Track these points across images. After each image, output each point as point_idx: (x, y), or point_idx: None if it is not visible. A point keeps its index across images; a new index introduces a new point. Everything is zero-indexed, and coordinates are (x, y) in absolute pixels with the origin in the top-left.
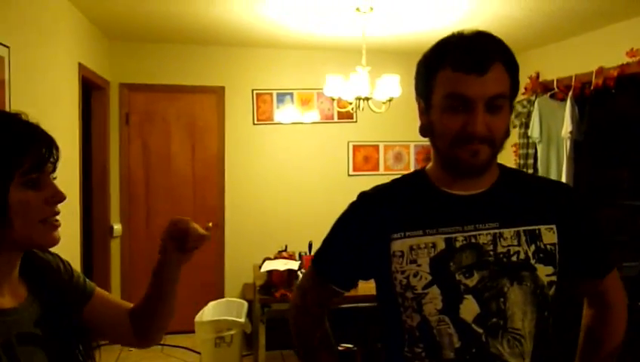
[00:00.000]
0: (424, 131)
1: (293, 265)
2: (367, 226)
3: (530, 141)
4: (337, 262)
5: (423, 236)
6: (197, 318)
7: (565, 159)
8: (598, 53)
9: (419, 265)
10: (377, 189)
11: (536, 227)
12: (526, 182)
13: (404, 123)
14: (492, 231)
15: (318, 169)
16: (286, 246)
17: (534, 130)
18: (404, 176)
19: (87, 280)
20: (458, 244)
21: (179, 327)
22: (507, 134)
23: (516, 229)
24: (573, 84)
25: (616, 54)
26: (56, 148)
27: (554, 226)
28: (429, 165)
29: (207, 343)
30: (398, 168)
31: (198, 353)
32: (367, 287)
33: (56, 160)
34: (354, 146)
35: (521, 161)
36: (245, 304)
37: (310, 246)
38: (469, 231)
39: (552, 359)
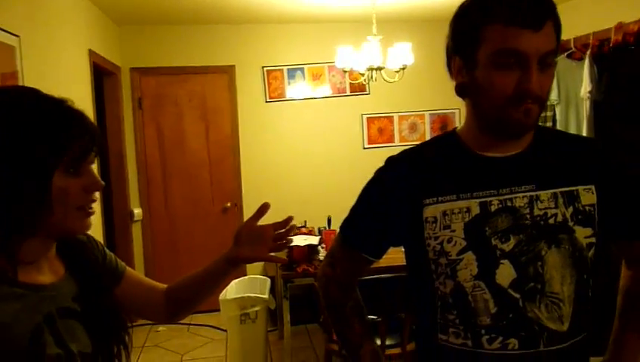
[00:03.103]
0: (462, 91)
1: (314, 240)
2: (396, 192)
3: (549, 103)
4: (366, 231)
5: (457, 201)
6: (221, 296)
7: (585, 120)
8: (616, 9)
9: (453, 231)
10: (406, 153)
11: (574, 188)
12: (563, 142)
13: (418, 92)
14: (528, 194)
15: (333, 143)
16: (305, 222)
17: (552, 92)
18: (434, 139)
19: (118, 261)
20: (493, 208)
21: (204, 306)
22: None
23: (553, 191)
24: (591, 42)
25: (635, 8)
26: (100, 138)
27: (592, 187)
28: (461, 127)
29: (233, 320)
30: (413, 139)
31: (224, 330)
32: (388, 258)
33: (99, 149)
34: (368, 119)
35: (540, 124)
36: (268, 280)
37: (329, 220)
38: (505, 194)
39: (591, 322)
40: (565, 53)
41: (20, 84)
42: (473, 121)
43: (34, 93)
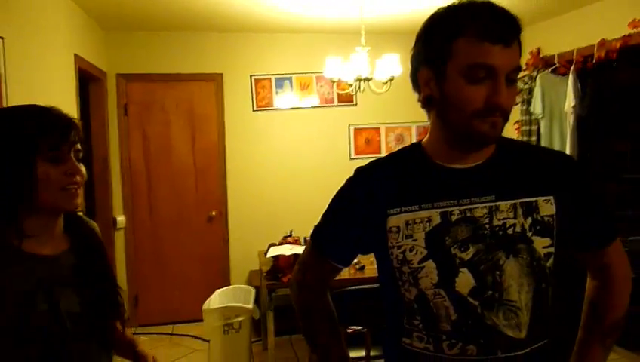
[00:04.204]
0: (429, 102)
1: (299, 249)
2: (363, 202)
3: (533, 117)
4: (335, 238)
5: (419, 211)
6: (204, 306)
7: (569, 134)
8: (599, 26)
9: (414, 240)
10: (373, 164)
11: (534, 199)
12: (524, 153)
13: (405, 104)
14: (488, 205)
15: (320, 153)
16: (291, 232)
17: (537, 106)
18: (400, 150)
19: None
20: (454, 218)
21: (187, 316)
22: None
23: (513, 202)
24: (574, 57)
25: (618, 26)
26: (75, 130)
27: (552, 197)
28: (425, 138)
29: (216, 330)
30: None
31: (207, 341)
32: (374, 269)
33: (76, 140)
34: (355, 129)
35: (524, 138)
36: (253, 290)
37: None
38: (465, 204)
39: (551, 330)
40: (550, 69)
41: (3, 87)
42: (437, 132)
43: (9, 107)
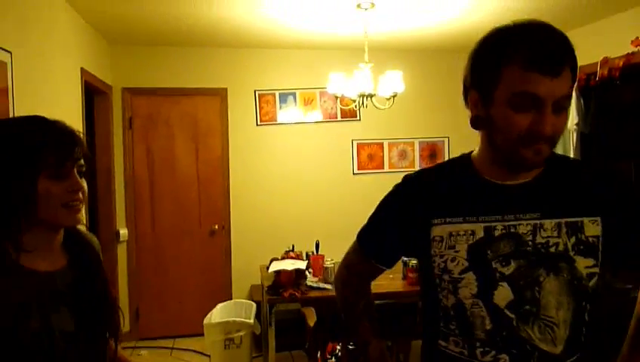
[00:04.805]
0: (477, 123)
1: (301, 264)
2: (409, 209)
3: (565, 127)
4: (379, 241)
5: (463, 223)
6: (205, 320)
7: (572, 152)
8: (602, 44)
9: (457, 251)
10: (421, 173)
11: (579, 219)
12: (572, 172)
13: (408, 120)
14: (532, 222)
15: (323, 168)
16: (293, 246)
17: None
18: (449, 161)
19: None
20: (497, 233)
21: (188, 330)
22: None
23: (557, 221)
24: (578, 75)
25: (621, 44)
26: (80, 146)
27: (598, 218)
28: (475, 151)
29: (217, 345)
30: (402, 166)
31: (208, 355)
32: (390, 285)
33: (79, 156)
34: (358, 145)
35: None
36: (254, 305)
37: (317, 245)
38: (509, 220)
39: (590, 346)
40: None
41: (10, 100)
42: (486, 150)
43: (15, 118)
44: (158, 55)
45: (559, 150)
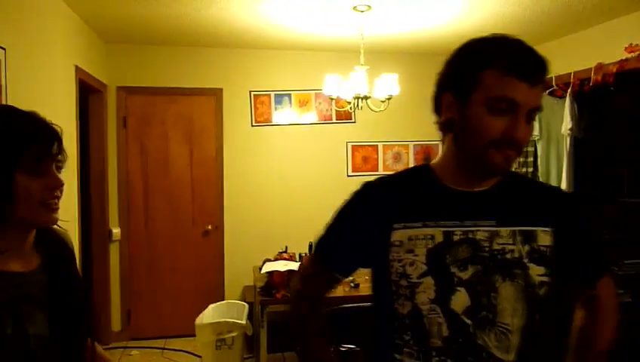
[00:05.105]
0: (448, 126)
1: (294, 265)
2: (370, 215)
3: (530, 139)
4: (338, 247)
5: (423, 228)
6: (197, 321)
7: (565, 156)
8: (596, 50)
9: (415, 255)
10: (382, 180)
11: (533, 228)
12: (526, 185)
13: (403, 123)
14: (489, 229)
15: (317, 170)
16: (286, 248)
17: (534, 128)
18: (409, 170)
19: None
20: (456, 238)
21: (179, 331)
22: None
23: (512, 229)
24: (572, 80)
25: (615, 50)
26: (59, 141)
27: (550, 229)
28: (436, 160)
29: (208, 346)
30: (397, 168)
31: (199, 356)
32: (369, 287)
33: (58, 152)
34: (353, 147)
35: (521, 159)
36: (246, 306)
37: (310, 246)
38: (468, 226)
39: (540, 356)
40: (547, 91)
41: (4, 98)
42: (450, 155)
43: None
44: (154, 54)
45: (553, 155)
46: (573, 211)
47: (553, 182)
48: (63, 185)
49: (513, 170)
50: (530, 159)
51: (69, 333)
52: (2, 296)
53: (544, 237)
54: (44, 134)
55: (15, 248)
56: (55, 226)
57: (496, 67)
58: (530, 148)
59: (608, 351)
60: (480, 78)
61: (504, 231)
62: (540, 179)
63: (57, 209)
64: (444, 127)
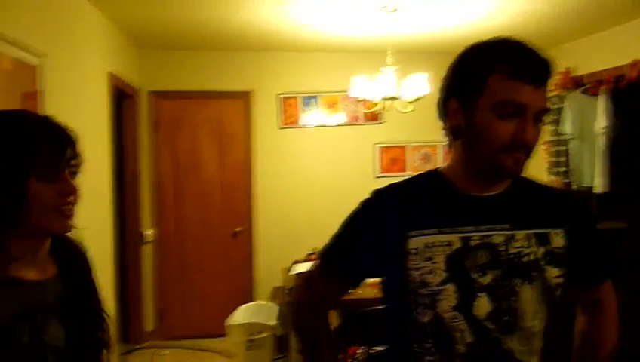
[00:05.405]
0: (456, 132)
1: None
2: (381, 223)
3: (562, 138)
4: (349, 258)
5: (439, 234)
6: (228, 322)
7: (599, 155)
8: (630, 46)
9: (434, 263)
10: (392, 187)
11: (547, 231)
12: (536, 189)
13: (432, 123)
14: (505, 233)
15: (345, 171)
16: (315, 250)
17: (566, 127)
18: (419, 176)
19: None
20: (473, 243)
21: (210, 331)
22: None
23: (527, 232)
24: (605, 78)
25: None
26: (73, 146)
27: (562, 231)
28: (445, 166)
29: (239, 346)
30: (425, 169)
31: (230, 357)
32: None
33: (72, 157)
34: (380, 148)
35: (553, 159)
36: (276, 307)
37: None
38: (483, 231)
39: (559, 357)
40: (580, 89)
41: (41, 104)
42: (460, 161)
43: (5, 112)
44: (184, 58)
45: (586, 154)
46: (583, 214)
47: (587, 182)
48: (76, 191)
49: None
50: (563, 159)
51: (84, 343)
52: (18, 305)
53: (558, 239)
54: (58, 139)
55: (30, 256)
56: (71, 236)
57: (501, 72)
58: (563, 148)
59: (612, 355)
60: (485, 83)
61: (519, 234)
62: (573, 179)
63: (71, 216)
64: (451, 133)
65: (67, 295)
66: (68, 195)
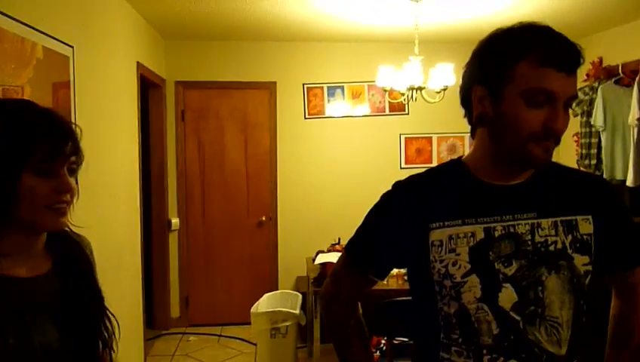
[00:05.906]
0: (480, 121)
1: None
2: (403, 216)
3: (594, 130)
4: (373, 251)
5: (462, 225)
6: (253, 309)
7: (633, 147)
8: None
9: (458, 254)
10: (413, 179)
11: (573, 217)
12: (562, 174)
13: (459, 114)
14: (530, 221)
15: (370, 162)
16: (339, 239)
17: (598, 118)
18: (440, 166)
19: None
20: (497, 234)
21: (235, 319)
22: None
23: (553, 219)
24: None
25: None
26: (74, 142)
27: (590, 217)
28: (467, 155)
29: (263, 334)
30: None
31: (254, 344)
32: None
33: (73, 153)
34: (406, 139)
35: (584, 151)
36: (299, 296)
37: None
38: (508, 220)
39: (587, 347)
40: (613, 79)
41: (71, 93)
42: (484, 149)
43: (7, 101)
44: (210, 49)
45: (618, 146)
46: (612, 198)
47: (619, 175)
48: (72, 188)
49: (576, 163)
50: (594, 151)
51: (80, 343)
52: (5, 303)
53: (585, 226)
54: (57, 132)
55: (21, 252)
56: (70, 229)
57: (531, 58)
58: (594, 140)
59: None
60: (514, 70)
61: (545, 222)
62: (605, 172)
63: (65, 214)
64: (476, 121)
65: (63, 292)
66: (63, 193)
